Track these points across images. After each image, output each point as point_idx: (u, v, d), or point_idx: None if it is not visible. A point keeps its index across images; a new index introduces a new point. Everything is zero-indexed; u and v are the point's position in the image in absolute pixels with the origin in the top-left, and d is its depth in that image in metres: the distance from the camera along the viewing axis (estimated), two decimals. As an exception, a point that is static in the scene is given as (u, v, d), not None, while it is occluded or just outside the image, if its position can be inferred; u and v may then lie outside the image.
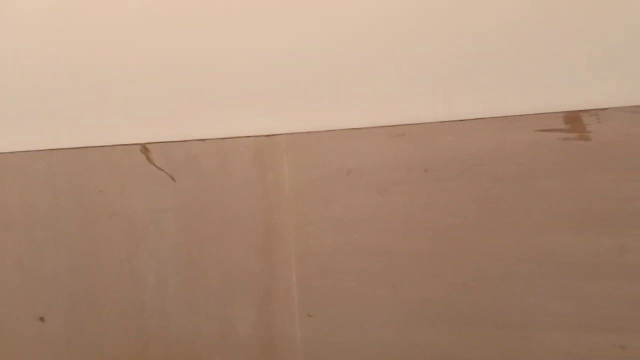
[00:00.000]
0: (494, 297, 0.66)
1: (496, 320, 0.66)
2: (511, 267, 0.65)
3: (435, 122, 0.66)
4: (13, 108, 0.81)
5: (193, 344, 0.76)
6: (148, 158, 0.75)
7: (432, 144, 0.66)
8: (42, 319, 0.81)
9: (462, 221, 0.66)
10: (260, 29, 0.71)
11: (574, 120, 0.62)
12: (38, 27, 0.78)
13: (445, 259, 0.67)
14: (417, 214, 0.67)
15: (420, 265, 0.68)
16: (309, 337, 0.73)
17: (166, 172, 0.75)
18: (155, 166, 0.75)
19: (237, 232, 0.74)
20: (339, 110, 0.70)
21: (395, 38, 0.67)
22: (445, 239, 0.67)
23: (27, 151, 0.79)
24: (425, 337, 0.69)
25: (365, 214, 0.69)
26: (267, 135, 0.72)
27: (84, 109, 0.78)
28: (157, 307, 0.77)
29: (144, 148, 0.75)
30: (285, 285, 0.73)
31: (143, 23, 0.75)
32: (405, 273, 0.68)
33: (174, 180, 0.75)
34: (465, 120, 0.65)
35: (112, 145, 0.76)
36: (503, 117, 0.64)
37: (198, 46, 0.74)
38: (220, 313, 0.75)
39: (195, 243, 0.75)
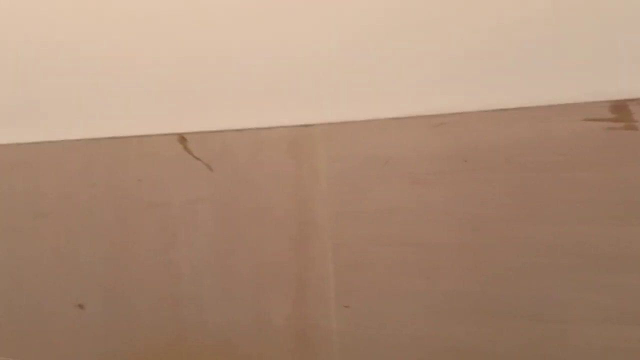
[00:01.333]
0: (531, 290, 0.64)
1: (533, 313, 0.65)
2: (550, 259, 0.63)
3: (476, 112, 0.65)
4: (51, 98, 0.82)
5: (228, 334, 0.76)
6: (185, 148, 0.75)
7: (472, 133, 0.65)
8: (81, 306, 0.82)
9: (501, 212, 0.65)
10: (297, 17, 0.71)
11: (621, 110, 0.60)
12: (77, 19, 0.79)
13: (482, 250, 0.66)
14: (455, 205, 0.66)
15: (457, 257, 0.67)
16: (345, 328, 0.72)
17: (203, 162, 0.75)
18: (193, 156, 0.75)
19: (272, 223, 0.73)
20: (376, 100, 0.69)
21: (434, 24, 0.66)
22: (484, 230, 0.65)
23: (66, 140, 0.80)
24: (460, 330, 0.68)
25: (402, 204, 0.68)
26: (303, 125, 0.71)
27: (122, 99, 0.79)
28: (192, 297, 0.77)
29: (182, 138, 0.75)
30: (321, 276, 0.72)
31: (180, 14, 0.75)
32: (441, 265, 0.67)
33: (211, 170, 0.75)
34: (507, 109, 0.63)
35: (150, 135, 0.76)
36: (546, 106, 0.62)
37: (235, 37, 0.74)
38: (255, 304, 0.75)
39: (230, 233, 0.75)
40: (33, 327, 0.85)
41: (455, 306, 0.67)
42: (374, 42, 0.68)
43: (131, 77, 0.78)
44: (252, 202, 0.74)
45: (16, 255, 0.85)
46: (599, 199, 0.61)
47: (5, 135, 0.84)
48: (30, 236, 0.83)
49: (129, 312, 0.80)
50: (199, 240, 0.76)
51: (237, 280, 0.75)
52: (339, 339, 0.73)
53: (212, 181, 0.75)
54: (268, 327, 0.75)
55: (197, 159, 0.75)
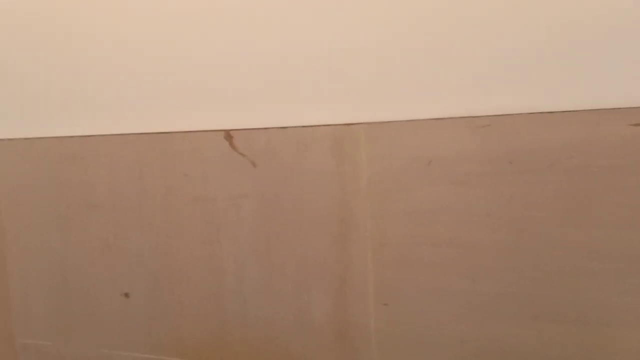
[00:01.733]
0: (576, 294, 0.64)
1: (576, 316, 0.64)
2: (594, 263, 0.63)
3: (523, 114, 0.64)
4: (105, 94, 0.85)
5: (270, 329, 0.78)
6: (231, 144, 0.77)
7: (519, 136, 0.65)
8: (126, 295, 0.85)
9: (546, 215, 0.64)
10: (342, 16, 0.72)
11: (672, 114, 0.59)
12: (133, 17, 0.82)
13: (526, 253, 0.66)
14: (499, 207, 0.66)
15: (500, 259, 0.67)
16: (384, 326, 0.73)
17: (248, 158, 0.77)
18: (238, 152, 0.77)
19: (314, 220, 0.75)
20: (421, 100, 0.70)
21: (481, 25, 0.66)
22: (528, 232, 0.65)
23: (118, 135, 0.83)
24: (501, 332, 0.68)
25: (444, 205, 0.68)
26: (346, 124, 0.72)
27: (173, 96, 0.81)
28: (235, 291, 0.79)
29: (228, 134, 0.77)
30: (361, 274, 0.73)
31: (229, 15, 0.77)
32: (484, 266, 0.68)
33: (255, 167, 0.76)
34: (555, 112, 0.63)
35: (197, 131, 0.79)
36: (594, 110, 0.62)
37: (280, 37, 0.75)
38: (296, 299, 0.76)
39: (273, 229, 0.77)
40: (81, 312, 0.89)
41: (497, 308, 0.67)
42: (420, 41, 0.69)
43: (182, 76, 0.80)
44: (295, 199, 0.75)
45: (68, 244, 0.88)
46: (647, 204, 0.61)
47: (61, 129, 0.88)
48: (82, 226, 0.87)
49: (173, 303, 0.83)
50: (242, 235, 0.78)
51: (279, 275, 0.77)
52: (377, 337, 0.73)
53: (256, 177, 0.77)
54: (308, 322, 0.76)
55: (242, 155, 0.77)
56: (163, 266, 0.83)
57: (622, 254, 0.62)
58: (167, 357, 0.84)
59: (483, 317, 0.68)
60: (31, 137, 0.89)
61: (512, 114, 0.65)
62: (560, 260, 0.64)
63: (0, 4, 0.89)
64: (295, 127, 0.74)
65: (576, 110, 0.62)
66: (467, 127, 0.67)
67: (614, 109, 0.61)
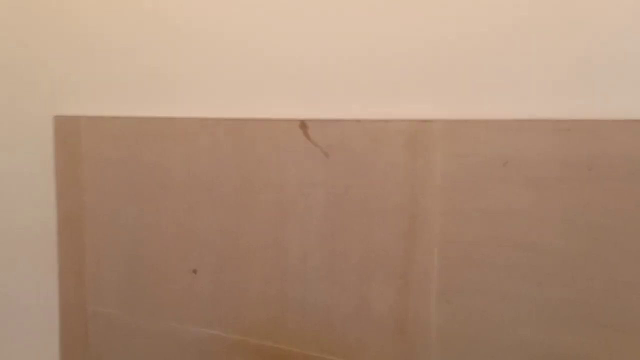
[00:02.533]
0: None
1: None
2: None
3: (606, 120, 0.63)
4: (187, 77, 0.88)
5: (330, 315, 0.80)
6: (305, 134, 0.79)
7: (600, 142, 0.63)
8: (194, 272, 0.89)
9: (624, 224, 0.63)
10: (423, 11, 0.72)
11: None
12: (217, 3, 0.85)
13: (599, 261, 0.64)
14: (575, 213, 0.65)
15: (571, 265, 0.66)
16: (444, 324, 0.73)
17: (321, 149, 0.78)
18: (312, 142, 0.79)
19: (382, 213, 0.76)
20: (500, 100, 0.69)
21: (565, 27, 0.65)
22: (604, 241, 0.64)
23: (196, 118, 0.86)
24: (567, 339, 0.67)
25: (518, 207, 0.68)
26: (422, 120, 0.73)
27: (250, 83, 0.84)
28: (298, 276, 0.81)
29: (303, 124, 0.79)
30: (425, 270, 0.74)
31: (311, 5, 0.79)
32: (554, 272, 0.67)
33: (327, 157, 0.78)
34: (639, 120, 0.62)
35: (273, 119, 0.81)
36: (685, 119, 0.60)
37: (361, 29, 0.76)
38: (358, 289, 0.78)
39: (340, 219, 0.78)
40: (150, 285, 0.93)
41: (564, 314, 0.66)
42: (504, 40, 0.68)
43: (261, 64, 0.83)
44: (365, 191, 0.76)
45: (142, 220, 0.92)
46: None
47: (143, 109, 0.92)
48: (156, 204, 0.91)
49: (237, 282, 0.86)
50: (309, 222, 0.80)
51: (343, 264, 0.78)
52: (437, 333, 0.74)
53: (328, 168, 0.78)
54: (369, 313, 0.77)
55: (316, 145, 0.79)
56: (230, 247, 0.86)
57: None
58: (229, 334, 0.87)
59: (548, 323, 0.67)
60: (114, 115, 0.93)
61: (595, 120, 0.64)
62: (634, 271, 0.63)
63: (94, -12, 0.94)
64: (371, 120, 0.75)
65: (665, 119, 0.61)
66: (547, 129, 0.66)
67: None
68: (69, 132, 0.98)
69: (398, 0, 0.74)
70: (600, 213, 0.64)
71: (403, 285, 0.75)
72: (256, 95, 0.83)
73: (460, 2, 0.70)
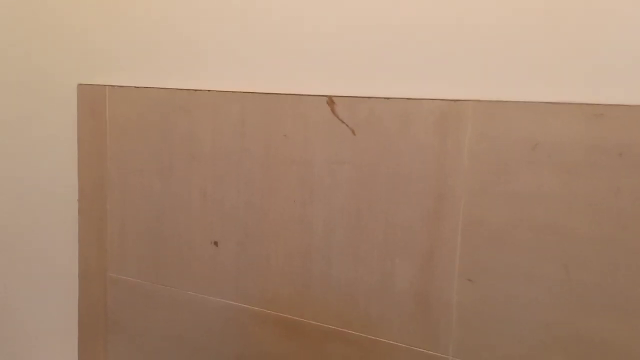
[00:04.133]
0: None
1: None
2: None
3: (638, 106, 0.63)
4: (216, 50, 0.88)
5: (352, 290, 0.81)
6: (333, 110, 0.79)
7: (633, 128, 0.63)
8: (216, 244, 0.90)
9: (653, 212, 0.64)
10: (462, -6, 0.72)
11: None
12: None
13: (626, 247, 0.65)
14: (604, 198, 0.66)
15: (597, 250, 0.67)
16: (466, 302, 0.74)
17: (348, 126, 0.78)
18: (339, 119, 0.79)
19: (409, 192, 0.76)
20: (532, 82, 0.69)
21: (601, 11, 0.65)
22: (632, 227, 0.65)
23: (225, 91, 0.86)
24: (590, 323, 0.68)
25: (546, 191, 0.68)
26: (453, 100, 0.72)
27: (279, 58, 0.83)
28: (322, 252, 0.82)
29: (330, 100, 0.79)
30: (449, 249, 0.75)
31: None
32: (580, 256, 0.68)
33: (354, 135, 0.78)
34: (677, 107, 0.62)
35: (301, 95, 0.81)
36: None
37: (392, 7, 0.75)
38: (381, 265, 0.79)
39: (366, 196, 0.79)
40: (172, 255, 0.95)
41: (589, 299, 0.67)
42: (539, 22, 0.68)
43: (290, 39, 0.82)
44: (391, 170, 0.77)
45: (167, 190, 0.93)
46: None
47: (172, 81, 0.92)
48: (182, 175, 0.91)
49: (260, 256, 0.87)
50: (334, 199, 0.81)
51: (367, 241, 0.79)
52: (458, 311, 0.75)
53: (355, 145, 0.78)
54: (391, 289, 0.79)
55: (343, 122, 0.79)
56: (254, 220, 0.87)
57: None
58: (251, 305, 0.89)
59: (572, 306, 0.69)
60: (143, 86, 0.93)
61: (628, 105, 0.64)
62: (661, 258, 0.64)
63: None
64: (400, 98, 0.75)
65: (702, 108, 0.61)
66: (579, 114, 0.66)
67: None
68: (94, 101, 0.98)
69: (433, -23, 0.73)
70: (629, 200, 0.64)
71: (426, 263, 0.76)
72: (284, 70, 0.83)
73: (497, -19, 0.69)
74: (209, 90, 0.87)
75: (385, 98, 0.76)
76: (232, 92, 0.85)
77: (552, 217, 0.68)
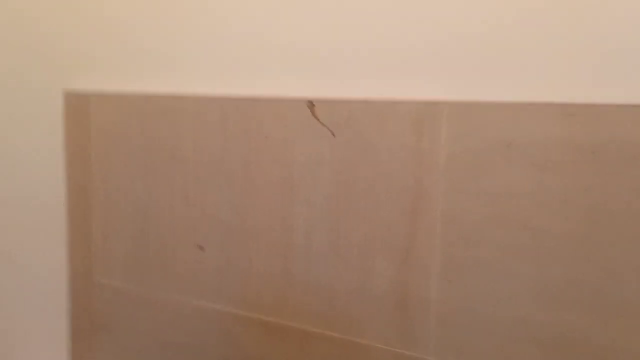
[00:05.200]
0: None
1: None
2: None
3: (612, 105, 0.64)
4: (196, 56, 0.89)
5: (332, 289, 0.81)
6: (312, 113, 0.80)
7: (605, 127, 0.64)
8: (201, 247, 0.91)
9: (625, 207, 0.64)
10: (436, -3, 0.73)
11: None
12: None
13: (600, 243, 0.66)
14: (576, 195, 0.66)
15: (571, 247, 0.67)
16: (445, 301, 0.75)
17: (328, 128, 0.79)
18: (319, 121, 0.80)
19: (387, 192, 0.77)
20: (505, 83, 0.70)
21: (572, 11, 0.66)
22: (604, 223, 0.65)
23: (204, 96, 0.87)
24: (566, 319, 0.68)
25: (520, 189, 0.69)
26: (428, 102, 0.73)
27: (258, 62, 0.84)
28: (303, 252, 0.83)
29: (310, 103, 0.80)
30: (427, 248, 0.75)
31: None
32: (554, 252, 0.68)
33: (334, 136, 0.79)
34: (645, 105, 0.63)
35: (281, 98, 0.82)
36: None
37: (368, 10, 0.77)
38: (361, 264, 0.79)
39: (345, 197, 0.79)
40: (157, 259, 0.95)
41: (565, 294, 0.68)
42: (507, 24, 0.69)
43: (269, 44, 0.83)
44: (370, 171, 0.77)
45: (150, 193, 0.94)
46: None
47: (152, 86, 0.93)
48: (165, 179, 0.92)
49: (243, 258, 0.87)
50: (315, 200, 0.81)
51: (346, 240, 0.80)
52: (437, 310, 0.75)
53: (334, 146, 0.79)
54: (370, 289, 0.79)
55: (322, 124, 0.80)
56: (237, 222, 0.87)
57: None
58: (234, 309, 0.89)
59: (548, 303, 0.69)
60: (124, 91, 0.94)
61: (600, 104, 0.65)
62: (632, 254, 0.64)
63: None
64: (378, 100, 0.76)
65: (669, 105, 0.62)
66: (552, 113, 0.67)
67: None
68: (79, 107, 0.99)
69: (408, -19, 0.74)
70: (601, 197, 0.65)
71: (405, 262, 0.77)
72: (264, 73, 0.84)
73: (470, -16, 0.71)
74: (190, 95, 0.88)
75: (363, 100, 0.77)
76: (213, 96, 0.86)
77: (527, 214, 0.69)
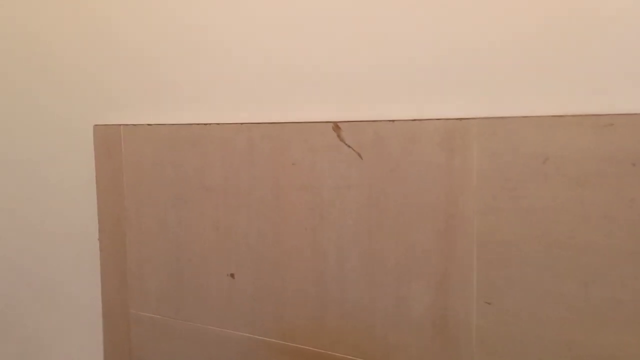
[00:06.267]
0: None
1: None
2: None
3: (650, 113, 0.61)
4: (222, 85, 0.90)
5: (368, 316, 0.80)
6: (339, 136, 0.79)
7: (644, 136, 0.62)
8: (232, 276, 0.90)
9: (672, 221, 0.61)
10: (456, 9, 0.72)
11: None
12: (251, 10, 0.86)
13: (647, 260, 0.63)
14: (619, 210, 0.63)
15: (616, 264, 0.64)
16: (485, 324, 0.72)
17: (354, 150, 0.78)
18: (345, 144, 0.79)
19: (419, 214, 0.75)
20: (537, 96, 0.68)
21: (603, 20, 0.64)
22: (651, 238, 0.62)
23: (233, 124, 0.87)
24: (613, 340, 0.65)
25: (558, 205, 0.66)
26: (457, 119, 0.72)
27: (283, 88, 0.84)
28: (336, 277, 0.81)
29: (336, 126, 0.79)
30: (464, 270, 0.73)
31: (343, 7, 0.79)
32: (598, 271, 0.65)
33: (361, 159, 0.78)
34: (688, 111, 0.60)
35: (307, 122, 0.81)
36: None
37: (392, 30, 0.76)
38: (396, 290, 0.77)
39: (376, 220, 0.78)
40: (190, 289, 0.95)
41: (610, 315, 0.65)
42: (540, 34, 0.67)
43: (293, 69, 0.83)
44: (401, 192, 0.76)
45: (182, 223, 0.94)
46: None
47: (182, 117, 0.94)
48: (196, 208, 0.92)
49: (275, 285, 0.86)
50: (345, 224, 0.80)
51: (380, 265, 0.78)
52: (478, 334, 0.73)
53: (362, 169, 0.78)
54: (408, 314, 0.77)
55: (349, 147, 0.79)
56: (267, 250, 0.86)
57: None
58: (268, 337, 0.88)
59: (594, 324, 0.66)
60: (154, 123, 0.96)
61: (638, 114, 0.62)
62: (685, 269, 0.61)
63: (130, -1, 0.97)
64: (404, 120, 0.75)
65: None
66: (588, 125, 0.64)
67: None
68: (109, 140, 1.00)
69: (430, 0, 0.73)
70: (646, 209, 0.62)
71: (442, 285, 0.75)
72: (290, 99, 0.84)
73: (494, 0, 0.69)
74: (217, 124, 0.89)
75: (389, 121, 0.76)
76: (240, 123, 0.87)
77: (567, 231, 0.66)
